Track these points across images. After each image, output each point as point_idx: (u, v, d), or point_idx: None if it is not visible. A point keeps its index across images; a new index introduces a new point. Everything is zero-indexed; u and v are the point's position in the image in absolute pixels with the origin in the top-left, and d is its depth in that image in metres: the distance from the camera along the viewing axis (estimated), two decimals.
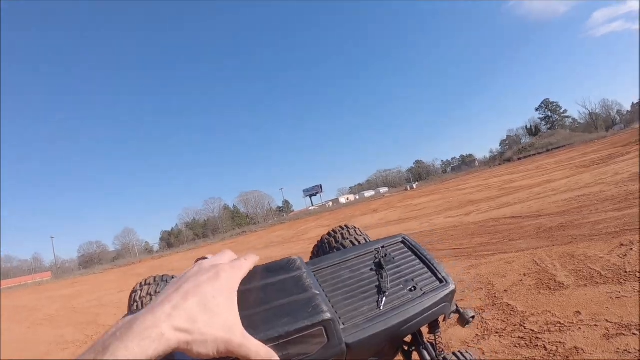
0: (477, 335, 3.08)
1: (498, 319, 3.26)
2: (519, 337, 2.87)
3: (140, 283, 1.82)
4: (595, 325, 2.78)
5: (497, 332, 3.03)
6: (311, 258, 1.37)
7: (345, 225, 1.65)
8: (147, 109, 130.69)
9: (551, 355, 2.55)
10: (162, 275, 1.86)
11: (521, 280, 4.04)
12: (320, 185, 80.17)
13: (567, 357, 2.48)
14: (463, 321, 0.89)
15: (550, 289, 3.64)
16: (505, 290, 3.85)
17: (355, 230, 1.59)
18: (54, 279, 56.56)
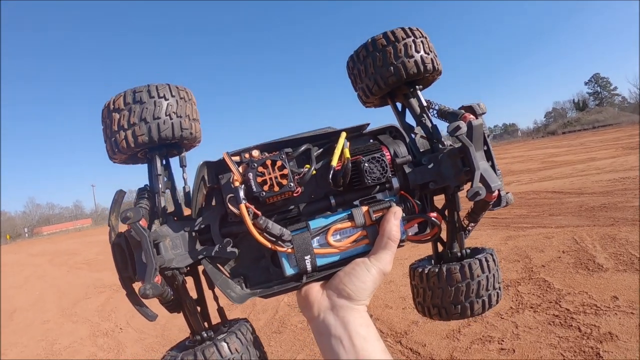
0: (511, 307, 3.27)
1: (534, 294, 3.43)
2: (553, 314, 3.05)
3: None
4: (631, 313, 2.90)
5: (532, 307, 3.21)
6: None
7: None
8: None
9: (585, 338, 2.72)
10: None
11: (559, 257, 4.14)
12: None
13: (600, 341, 2.64)
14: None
15: (588, 269, 3.74)
16: (543, 266, 3.98)
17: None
18: (94, 225, 60.67)
